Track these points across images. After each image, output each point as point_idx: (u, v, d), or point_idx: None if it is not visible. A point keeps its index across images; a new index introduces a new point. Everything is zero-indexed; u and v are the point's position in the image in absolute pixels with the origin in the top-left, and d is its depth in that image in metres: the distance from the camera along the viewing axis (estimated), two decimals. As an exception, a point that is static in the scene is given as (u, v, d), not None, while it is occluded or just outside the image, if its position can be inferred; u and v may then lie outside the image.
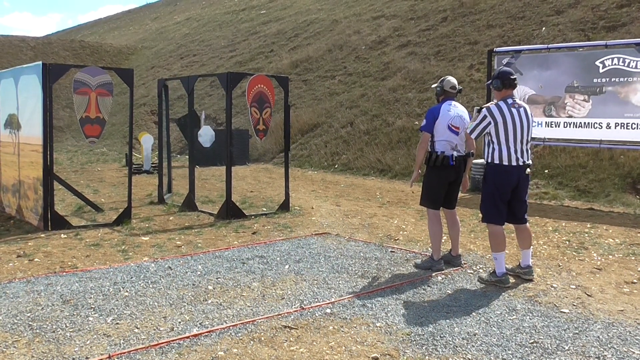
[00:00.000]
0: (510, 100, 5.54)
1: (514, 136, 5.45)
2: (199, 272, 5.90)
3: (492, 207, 5.58)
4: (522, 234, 5.76)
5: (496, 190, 5.54)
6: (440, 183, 6.07)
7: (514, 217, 5.68)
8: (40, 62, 8.05)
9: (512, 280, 5.60)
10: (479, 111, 5.69)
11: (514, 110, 5.48)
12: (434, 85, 6.42)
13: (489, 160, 5.58)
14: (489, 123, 5.50)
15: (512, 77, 5.57)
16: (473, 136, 5.72)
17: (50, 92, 7.94)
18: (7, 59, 28.54)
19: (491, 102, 5.68)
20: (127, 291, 5.27)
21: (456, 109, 6.04)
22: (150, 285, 5.45)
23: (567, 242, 7.25)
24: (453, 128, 5.96)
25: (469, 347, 4.09)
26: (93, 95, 8.03)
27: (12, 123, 8.95)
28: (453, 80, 6.19)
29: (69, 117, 23.84)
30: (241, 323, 4.48)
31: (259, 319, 4.57)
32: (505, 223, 5.68)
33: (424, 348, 4.06)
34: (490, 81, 5.76)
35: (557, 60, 10.82)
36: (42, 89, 7.87)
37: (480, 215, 5.81)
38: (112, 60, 33.01)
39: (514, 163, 5.47)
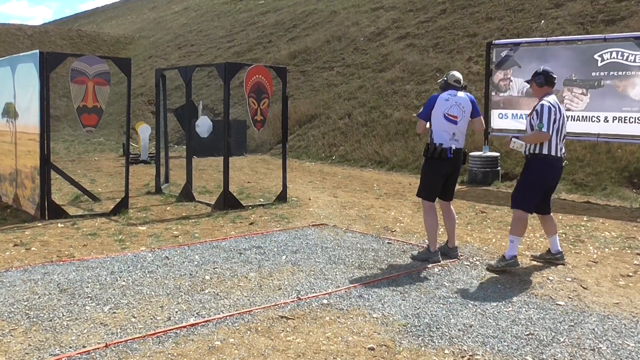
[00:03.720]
0: (554, 96, 5.85)
1: (558, 130, 5.73)
2: (196, 262, 5.90)
3: (529, 195, 5.81)
4: (549, 222, 6.08)
5: (541, 180, 5.80)
6: (437, 175, 6.08)
7: (545, 206, 6.01)
8: (37, 51, 8.01)
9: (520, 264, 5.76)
10: (547, 108, 5.74)
11: (558, 106, 5.80)
12: (439, 80, 6.43)
13: (537, 152, 5.74)
14: (556, 114, 5.72)
15: (554, 75, 5.92)
16: (550, 132, 5.70)
17: (47, 80, 7.91)
18: (4, 48, 28.38)
19: (545, 99, 5.79)
20: (124, 280, 5.28)
21: (455, 98, 5.99)
22: (147, 275, 5.46)
23: (564, 235, 7.26)
24: (450, 117, 5.96)
25: (465, 338, 4.11)
26: (90, 85, 8.00)
27: (9, 112, 8.92)
28: (458, 74, 6.23)
29: (66, 106, 23.72)
30: (238, 313, 4.49)
31: (256, 309, 4.58)
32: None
33: (420, 339, 4.08)
34: (531, 77, 5.99)
35: (556, 53, 10.80)
36: (39, 77, 7.84)
37: (511, 202, 5.97)
38: (110, 49, 32.85)
39: (558, 154, 5.75)
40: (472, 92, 6.48)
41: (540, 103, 5.74)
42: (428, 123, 6.11)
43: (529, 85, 6.25)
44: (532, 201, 5.82)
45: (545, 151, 5.71)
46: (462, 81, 6.20)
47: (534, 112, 5.75)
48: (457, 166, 6.14)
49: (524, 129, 11.31)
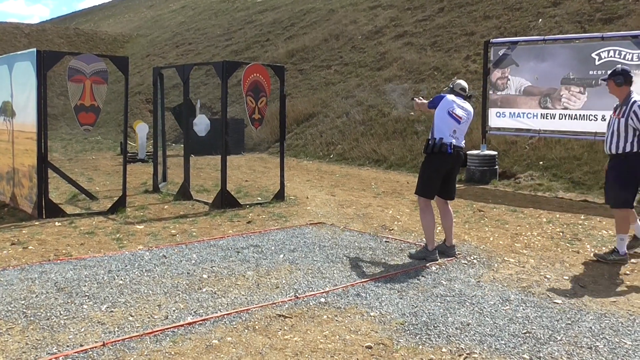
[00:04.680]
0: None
1: None
2: (193, 261, 5.90)
3: (631, 192, 6.02)
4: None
5: (636, 176, 6.00)
6: (437, 172, 6.07)
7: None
8: (35, 49, 7.99)
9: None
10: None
11: None
12: (444, 88, 6.49)
13: (635, 150, 5.91)
14: None
15: (632, 75, 6.09)
16: None
17: (45, 79, 7.89)
18: (1, 46, 28.32)
19: (634, 98, 5.97)
20: (121, 279, 5.28)
21: (461, 103, 6.11)
22: (145, 274, 5.45)
23: (561, 234, 7.28)
24: (454, 115, 6.01)
25: (462, 336, 4.11)
26: (88, 83, 7.99)
27: (7, 110, 8.90)
28: (464, 83, 6.34)
29: (63, 104, 23.71)
30: (235, 312, 4.49)
31: (254, 308, 4.58)
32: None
33: (417, 337, 4.08)
34: (608, 76, 6.13)
35: (553, 52, 10.81)
36: (36, 76, 7.82)
37: (610, 202, 6.19)
38: (107, 48, 32.81)
39: None
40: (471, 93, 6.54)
41: (639, 104, 5.90)
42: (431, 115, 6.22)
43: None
44: (631, 198, 6.05)
45: (636, 148, 5.92)
46: (467, 90, 6.28)
47: (632, 114, 5.88)
48: (457, 164, 6.15)
49: (522, 127, 11.40)
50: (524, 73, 11.06)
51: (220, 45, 27.21)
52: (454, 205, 6.55)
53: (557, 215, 8.38)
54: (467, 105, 6.20)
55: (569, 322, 4.41)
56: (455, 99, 6.13)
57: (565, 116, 10.56)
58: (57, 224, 7.62)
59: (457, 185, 6.46)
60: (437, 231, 6.66)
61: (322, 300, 4.81)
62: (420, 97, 6.61)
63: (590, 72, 10.17)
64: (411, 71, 17.09)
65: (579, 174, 10.77)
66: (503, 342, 4.03)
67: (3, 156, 9.16)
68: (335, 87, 18.49)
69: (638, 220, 6.24)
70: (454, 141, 6.02)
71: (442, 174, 6.10)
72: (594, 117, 10.14)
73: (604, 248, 6.55)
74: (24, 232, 7.17)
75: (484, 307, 4.69)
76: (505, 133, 11.93)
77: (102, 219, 8.01)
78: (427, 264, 5.88)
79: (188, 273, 5.50)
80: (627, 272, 5.71)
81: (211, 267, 5.71)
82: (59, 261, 5.86)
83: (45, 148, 7.99)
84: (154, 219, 8.09)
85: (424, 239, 6.27)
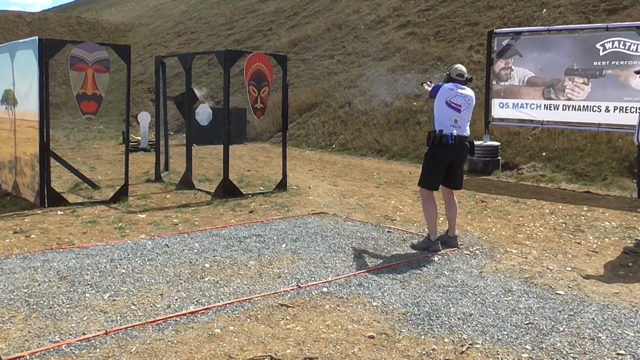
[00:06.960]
0: None
1: None
2: (195, 250, 5.90)
3: None
4: None
5: None
6: (439, 162, 6.04)
7: None
8: (36, 37, 7.95)
9: None
10: None
11: None
12: (444, 74, 6.43)
13: None
14: None
15: None
16: None
17: (47, 68, 7.86)
18: (3, 35, 28.26)
19: None
20: (123, 268, 5.28)
21: (458, 90, 6.02)
22: (147, 263, 5.46)
23: (564, 225, 7.26)
24: (453, 104, 5.96)
25: (464, 327, 4.11)
26: (90, 72, 7.96)
27: (9, 99, 8.88)
28: (461, 67, 6.20)
29: (65, 93, 23.68)
30: (238, 301, 4.50)
31: (256, 297, 4.58)
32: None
33: (419, 328, 4.08)
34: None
35: (557, 42, 10.75)
36: (38, 64, 7.79)
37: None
38: (109, 37, 32.71)
39: None
40: (473, 81, 6.44)
41: None
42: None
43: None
44: None
45: None
46: (465, 74, 6.18)
47: None
48: (461, 154, 6.10)
49: (525, 118, 11.39)
50: (527, 63, 11.02)
51: (223, 35, 27.12)
52: (456, 196, 6.52)
53: (560, 207, 8.37)
54: (467, 91, 6.09)
55: (572, 313, 4.41)
56: (454, 86, 6.05)
57: (568, 107, 10.52)
58: (59, 212, 7.63)
59: (459, 176, 6.41)
60: (440, 222, 6.66)
61: (325, 290, 4.81)
62: (429, 82, 6.54)
63: (595, 63, 10.12)
64: (414, 61, 17.02)
65: (582, 165, 10.74)
66: (505, 332, 4.03)
67: (5, 145, 9.15)
68: (338, 76, 18.43)
69: None
70: (455, 131, 5.97)
71: (444, 165, 6.07)
72: (598, 108, 10.10)
73: (627, 240, 6.52)
74: (26, 220, 7.17)
75: (487, 298, 4.69)
76: (508, 124, 11.89)
77: (105, 207, 8.02)
78: (430, 255, 5.87)
79: (190, 262, 5.50)
80: (630, 264, 5.70)
81: (213, 256, 5.72)
82: (61, 250, 5.86)
83: (48, 137, 7.98)
84: (156, 208, 8.09)
85: (427, 230, 6.26)
